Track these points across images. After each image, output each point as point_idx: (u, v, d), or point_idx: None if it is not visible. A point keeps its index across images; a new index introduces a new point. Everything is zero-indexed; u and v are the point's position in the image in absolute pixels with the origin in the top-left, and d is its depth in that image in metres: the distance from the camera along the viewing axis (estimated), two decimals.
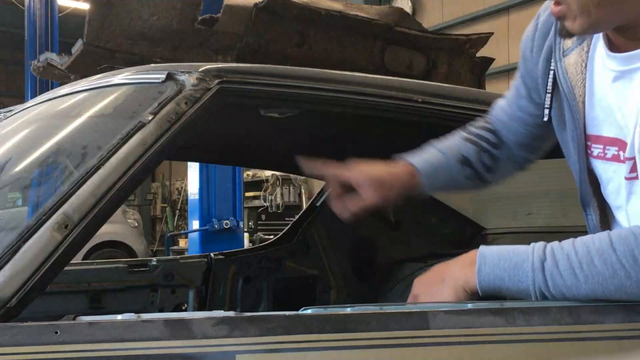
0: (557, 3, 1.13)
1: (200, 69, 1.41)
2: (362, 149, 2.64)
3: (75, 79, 3.20)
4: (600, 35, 1.21)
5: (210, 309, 2.57)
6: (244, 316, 1.00)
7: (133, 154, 1.21)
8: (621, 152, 1.19)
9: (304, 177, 11.54)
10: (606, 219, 1.30)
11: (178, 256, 2.84)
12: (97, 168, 1.17)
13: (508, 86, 1.50)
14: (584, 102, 1.23)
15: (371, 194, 1.37)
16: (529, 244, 1.15)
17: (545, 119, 1.30)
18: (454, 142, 1.48)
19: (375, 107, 1.65)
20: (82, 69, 4.03)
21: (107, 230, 9.48)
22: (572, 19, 1.11)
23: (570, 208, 2.64)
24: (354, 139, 2.49)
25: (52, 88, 7.16)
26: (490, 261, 1.12)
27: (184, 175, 12.21)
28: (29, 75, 9.17)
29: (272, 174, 12.58)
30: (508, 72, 8.78)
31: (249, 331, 0.97)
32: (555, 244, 1.10)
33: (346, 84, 1.60)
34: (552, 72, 1.28)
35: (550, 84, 1.29)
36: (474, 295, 1.12)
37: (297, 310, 1.05)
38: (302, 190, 12.74)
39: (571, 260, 1.07)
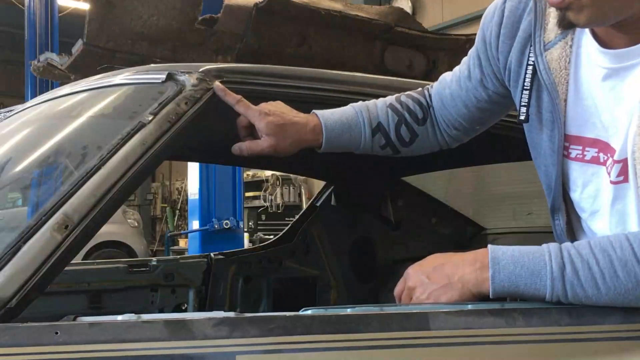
0: None
1: (200, 69, 1.41)
2: None
3: (76, 79, 3.20)
4: (587, 29, 1.15)
5: (210, 309, 2.57)
6: (244, 317, 1.00)
7: (133, 154, 1.21)
8: (601, 154, 1.15)
9: (304, 177, 11.54)
10: (571, 226, 1.26)
11: (178, 256, 2.83)
12: (97, 168, 1.17)
13: None
14: (566, 101, 1.17)
15: (265, 140, 1.39)
16: (529, 244, 1.15)
17: (522, 117, 1.23)
18: (377, 107, 1.44)
19: None
20: (82, 69, 4.03)
21: (107, 230, 9.48)
22: (578, 9, 1.03)
23: None
24: None
25: (52, 88, 7.17)
26: (505, 267, 1.06)
27: (184, 175, 12.21)
28: (29, 75, 9.17)
29: (272, 174, 12.58)
30: None
31: (249, 332, 0.97)
32: (572, 249, 1.06)
33: (346, 84, 1.60)
34: (531, 67, 1.21)
35: (528, 79, 1.21)
36: (479, 298, 1.09)
37: (297, 310, 1.05)
38: (302, 190, 12.74)
39: (593, 270, 1.03)
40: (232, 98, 1.39)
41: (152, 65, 1.77)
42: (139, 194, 16.71)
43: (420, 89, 1.50)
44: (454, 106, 1.41)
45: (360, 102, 1.46)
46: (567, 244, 1.07)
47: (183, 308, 2.56)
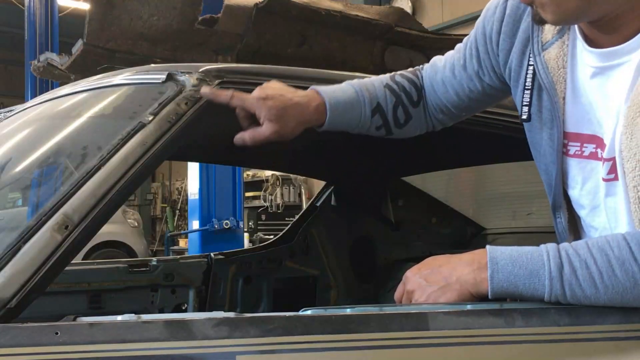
0: None
1: (200, 69, 1.41)
2: (362, 149, 2.64)
3: (76, 79, 3.20)
4: (576, 29, 1.17)
5: (211, 309, 2.57)
6: (244, 317, 1.00)
7: (133, 154, 1.21)
8: (599, 150, 1.16)
9: (304, 177, 11.55)
10: (574, 223, 1.27)
11: (178, 256, 2.84)
12: (97, 168, 1.17)
13: None
14: (564, 99, 1.19)
15: (268, 127, 1.33)
16: (529, 244, 1.15)
17: (525, 116, 1.24)
18: (375, 87, 1.43)
19: None
20: (82, 69, 4.03)
21: (107, 230, 9.48)
22: (542, 7, 1.07)
23: None
24: (354, 139, 2.49)
25: (52, 88, 7.17)
26: (503, 268, 1.06)
27: (184, 175, 12.21)
28: (29, 75, 9.18)
29: (272, 174, 12.58)
30: None
31: (249, 332, 0.97)
32: (569, 249, 1.06)
33: None
34: (532, 68, 1.22)
35: (530, 79, 1.23)
36: (477, 298, 1.09)
37: (297, 310, 1.05)
38: (302, 190, 12.74)
39: (591, 270, 1.03)
40: (224, 97, 1.34)
41: (152, 65, 1.77)
42: (139, 194, 16.72)
43: (412, 68, 1.50)
44: (445, 92, 1.42)
45: (357, 80, 1.44)
46: (564, 244, 1.08)
47: (183, 308, 2.56)
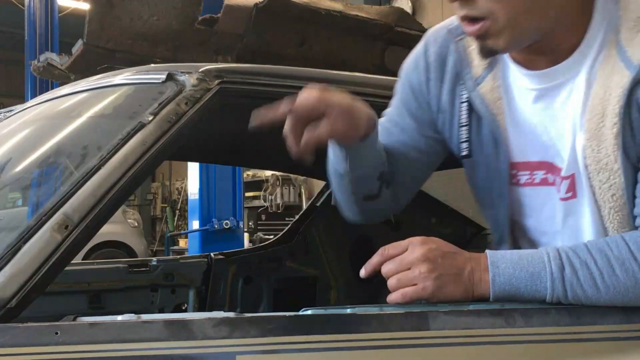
0: (474, 21, 1.05)
1: (200, 70, 1.41)
2: None
3: (75, 79, 3.20)
4: (507, 58, 1.17)
5: (211, 309, 2.57)
6: (244, 317, 1.00)
7: (133, 154, 1.21)
8: (549, 175, 1.17)
9: (304, 177, 11.54)
10: None
11: (178, 256, 2.84)
12: (97, 168, 1.17)
13: None
14: (506, 129, 1.18)
15: (339, 123, 1.13)
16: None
17: (465, 152, 1.22)
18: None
19: (375, 107, 1.65)
20: (82, 69, 4.03)
21: (107, 230, 9.47)
22: (497, 34, 1.05)
23: None
24: None
25: (52, 88, 7.17)
26: (504, 271, 1.06)
27: (184, 175, 12.21)
28: (29, 75, 9.17)
29: (272, 174, 12.58)
30: None
31: (249, 332, 0.97)
32: (569, 251, 1.06)
33: (346, 84, 1.60)
34: (465, 104, 1.21)
35: (465, 116, 1.22)
36: (476, 299, 1.08)
37: (297, 310, 1.05)
38: (302, 190, 12.74)
39: (591, 270, 1.04)
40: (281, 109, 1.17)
41: (152, 65, 1.77)
42: (139, 194, 16.72)
43: None
44: (405, 164, 1.34)
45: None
46: (563, 247, 1.08)
47: (183, 308, 2.56)
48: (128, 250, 10.39)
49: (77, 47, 3.96)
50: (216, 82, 1.40)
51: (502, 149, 1.19)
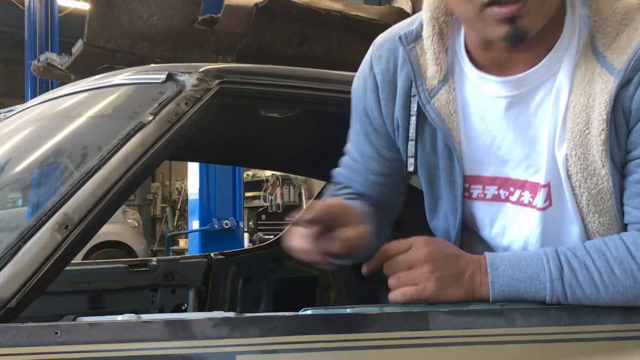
0: (509, 3, 0.97)
1: (200, 69, 1.41)
2: None
3: (75, 79, 3.20)
4: (466, 67, 1.14)
5: (210, 309, 2.57)
6: (244, 317, 1.00)
7: (133, 154, 1.21)
8: (501, 191, 1.15)
9: (304, 177, 11.54)
10: None
11: (178, 256, 2.84)
12: (97, 168, 1.17)
13: None
14: (460, 143, 1.16)
15: (360, 227, 1.12)
16: None
17: (411, 169, 1.20)
18: (356, 203, 1.28)
19: None
20: (82, 69, 4.04)
21: (107, 230, 9.47)
22: (535, 12, 0.99)
23: None
24: None
25: (52, 88, 7.17)
26: (503, 273, 1.06)
27: (184, 175, 12.20)
28: (29, 75, 9.17)
29: (272, 174, 12.58)
30: None
31: (249, 332, 0.97)
32: (567, 251, 1.06)
33: (346, 84, 1.60)
34: (414, 118, 1.17)
35: (413, 130, 1.18)
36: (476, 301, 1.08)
37: (297, 310, 1.05)
38: (302, 190, 12.74)
39: (590, 270, 1.04)
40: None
41: (152, 65, 1.77)
42: (139, 194, 16.72)
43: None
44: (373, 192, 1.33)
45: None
46: (562, 248, 1.08)
47: (183, 308, 2.56)
48: (128, 250, 10.39)
49: (77, 47, 3.96)
50: (216, 82, 1.40)
51: (457, 163, 1.16)
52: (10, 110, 2.09)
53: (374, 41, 1.28)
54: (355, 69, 1.38)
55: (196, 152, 2.74)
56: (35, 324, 0.95)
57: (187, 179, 7.10)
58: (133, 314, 1.01)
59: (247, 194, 12.15)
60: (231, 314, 1.01)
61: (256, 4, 4.03)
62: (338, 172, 1.38)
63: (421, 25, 1.18)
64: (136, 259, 3.65)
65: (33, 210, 1.22)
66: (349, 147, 1.35)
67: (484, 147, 1.15)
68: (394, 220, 1.42)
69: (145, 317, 0.99)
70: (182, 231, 11.67)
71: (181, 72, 1.39)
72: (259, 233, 10.92)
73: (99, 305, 2.37)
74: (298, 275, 2.87)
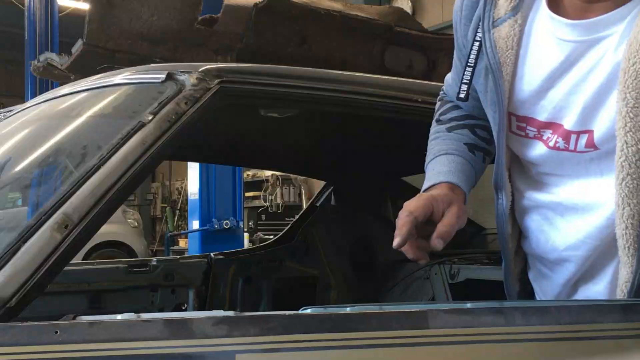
0: None
1: (200, 69, 1.41)
2: (362, 149, 2.64)
3: (75, 79, 3.20)
4: (541, 5, 1.11)
5: (210, 309, 2.57)
6: (243, 316, 1.00)
7: (133, 153, 1.21)
8: (555, 137, 1.13)
9: (304, 177, 11.54)
10: (516, 205, 1.25)
11: (178, 256, 2.84)
12: (97, 168, 1.17)
13: None
14: (510, 82, 1.13)
15: (453, 217, 1.16)
16: None
17: (462, 95, 1.19)
18: (450, 139, 1.34)
19: (375, 107, 1.65)
20: (82, 69, 4.03)
21: (107, 230, 9.48)
22: None
23: None
24: (353, 139, 2.49)
25: (52, 88, 7.16)
26: None
27: (184, 175, 12.20)
28: (29, 75, 9.16)
29: (272, 174, 12.57)
30: None
31: (248, 331, 0.97)
32: None
33: (346, 84, 1.60)
34: (477, 43, 1.16)
35: (473, 56, 1.17)
36: None
37: (297, 310, 1.05)
38: (302, 190, 12.74)
39: None
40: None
41: (152, 65, 1.77)
42: (139, 194, 16.71)
43: (438, 104, 1.44)
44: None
45: (436, 149, 1.34)
46: None
47: (183, 308, 2.56)
48: (128, 250, 10.39)
49: (77, 47, 3.96)
50: (216, 81, 1.40)
51: (501, 103, 1.15)
52: (10, 110, 2.09)
53: None
54: (355, 69, 1.37)
55: (196, 152, 2.74)
56: (35, 323, 0.95)
57: (187, 179, 7.10)
58: (132, 313, 1.01)
59: (247, 194, 12.15)
60: (231, 313, 1.01)
61: (256, 4, 4.02)
62: (446, 83, 1.41)
63: None
64: (136, 259, 3.65)
65: (33, 209, 1.22)
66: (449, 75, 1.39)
67: (541, 90, 1.12)
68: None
69: (145, 316, 0.99)
70: (182, 231, 11.67)
71: (181, 72, 1.39)
72: (259, 233, 10.92)
73: (98, 305, 2.37)
74: (298, 275, 2.88)
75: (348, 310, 1.04)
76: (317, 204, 3.04)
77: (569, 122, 1.12)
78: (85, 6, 4.43)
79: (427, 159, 1.34)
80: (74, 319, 0.99)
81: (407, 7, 10.60)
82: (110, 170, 1.17)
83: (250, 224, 12.02)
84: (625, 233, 1.07)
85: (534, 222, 1.25)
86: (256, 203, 12.94)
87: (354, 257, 3.02)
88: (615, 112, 1.05)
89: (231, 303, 2.66)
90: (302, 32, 4.24)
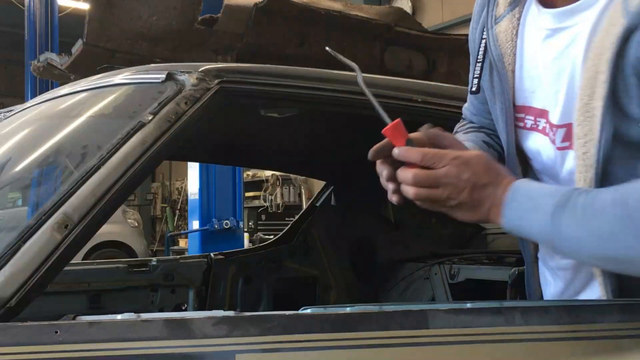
0: None
1: (200, 69, 1.41)
2: (362, 149, 2.64)
3: (75, 79, 3.20)
4: None
5: (210, 309, 2.57)
6: (243, 315, 1.00)
7: (133, 153, 1.21)
8: (548, 125, 1.13)
9: (304, 177, 11.54)
10: None
11: (178, 256, 2.84)
12: (97, 168, 1.17)
13: None
14: (513, 71, 1.18)
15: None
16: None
17: (474, 89, 1.24)
18: (468, 136, 1.34)
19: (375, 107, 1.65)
20: (82, 69, 4.04)
21: (107, 230, 9.48)
22: None
23: None
24: (353, 138, 2.49)
25: (52, 88, 7.16)
26: (518, 207, 1.00)
27: (184, 175, 12.20)
28: (29, 75, 9.16)
29: (272, 174, 12.58)
30: None
31: (248, 330, 0.98)
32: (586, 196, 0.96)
33: (346, 84, 1.60)
34: (484, 41, 1.24)
35: (481, 53, 1.24)
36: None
37: (297, 310, 1.05)
38: (302, 190, 12.74)
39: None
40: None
41: (152, 65, 1.77)
42: (139, 194, 16.71)
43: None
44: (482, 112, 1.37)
45: (465, 138, 1.33)
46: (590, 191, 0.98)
47: (183, 308, 2.56)
48: (128, 250, 10.39)
49: (77, 47, 3.96)
50: (216, 81, 1.40)
51: (506, 92, 1.18)
52: (10, 110, 2.09)
53: None
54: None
55: (196, 152, 2.74)
56: (35, 323, 0.95)
57: (187, 179, 7.10)
58: (132, 313, 1.01)
59: (247, 194, 12.16)
60: (231, 313, 1.01)
61: (256, 4, 4.02)
62: (464, 106, 1.44)
63: None
64: (136, 259, 3.65)
65: (33, 209, 1.22)
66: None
67: (535, 78, 1.15)
68: None
69: (144, 316, 1.00)
70: (182, 231, 11.66)
71: (181, 72, 1.39)
72: (259, 233, 10.92)
73: (98, 305, 2.37)
74: (298, 275, 2.88)
75: (348, 310, 1.04)
76: (317, 204, 3.04)
77: (554, 116, 1.12)
78: (85, 6, 4.44)
79: None
80: (74, 319, 1.00)
81: (407, 7, 10.60)
82: (110, 170, 1.17)
83: (250, 224, 12.02)
84: None
85: None
86: (256, 203, 12.95)
87: (354, 257, 3.02)
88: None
89: (231, 303, 2.66)
90: (302, 32, 4.24)
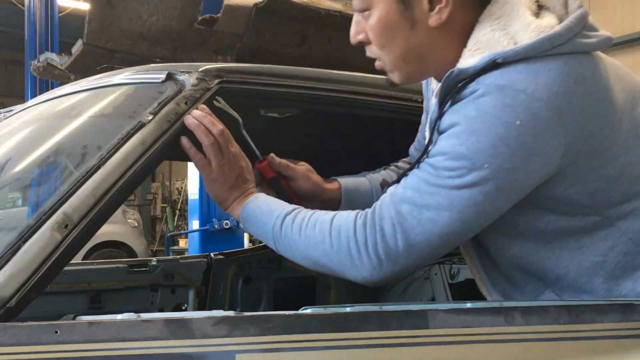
0: (377, 59, 1.29)
1: (200, 69, 1.41)
2: (362, 149, 2.64)
3: (75, 79, 3.20)
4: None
5: (210, 309, 2.57)
6: (243, 316, 1.00)
7: (133, 153, 1.21)
8: None
9: None
10: None
11: (178, 256, 2.83)
12: (97, 168, 1.17)
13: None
14: None
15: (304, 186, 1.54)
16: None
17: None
18: (380, 173, 1.67)
19: (375, 107, 1.65)
20: (82, 69, 4.03)
21: (107, 230, 9.48)
22: (390, 72, 1.28)
23: None
24: (353, 138, 2.49)
25: (52, 88, 7.17)
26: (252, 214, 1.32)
27: (184, 175, 12.21)
28: (29, 75, 9.16)
29: None
30: None
31: (248, 330, 0.98)
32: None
33: (346, 84, 1.60)
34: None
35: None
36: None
37: (297, 310, 1.05)
38: None
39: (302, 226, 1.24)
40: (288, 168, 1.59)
41: (152, 65, 1.77)
42: (139, 194, 16.72)
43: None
44: None
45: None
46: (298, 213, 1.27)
47: (183, 308, 2.56)
48: (128, 250, 10.38)
49: (77, 47, 3.96)
50: (216, 81, 1.40)
51: None
52: (10, 110, 2.09)
53: None
54: (355, 69, 1.43)
55: None
56: (35, 323, 0.95)
57: (187, 179, 7.11)
58: (133, 313, 1.01)
59: None
60: (231, 313, 1.01)
61: (256, 4, 4.02)
62: (412, 145, 1.66)
63: None
64: (136, 259, 3.65)
65: (33, 209, 1.22)
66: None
67: None
68: None
69: (144, 316, 1.00)
70: (182, 231, 11.66)
71: (181, 72, 1.39)
72: None
73: (98, 305, 2.37)
74: (298, 276, 2.88)
75: (348, 310, 1.04)
76: None
77: None
78: (85, 6, 4.44)
79: None
80: (74, 319, 1.00)
81: None
82: (110, 170, 1.17)
83: None
84: None
85: None
86: None
87: None
88: None
89: (231, 303, 2.66)
90: (302, 32, 4.24)
